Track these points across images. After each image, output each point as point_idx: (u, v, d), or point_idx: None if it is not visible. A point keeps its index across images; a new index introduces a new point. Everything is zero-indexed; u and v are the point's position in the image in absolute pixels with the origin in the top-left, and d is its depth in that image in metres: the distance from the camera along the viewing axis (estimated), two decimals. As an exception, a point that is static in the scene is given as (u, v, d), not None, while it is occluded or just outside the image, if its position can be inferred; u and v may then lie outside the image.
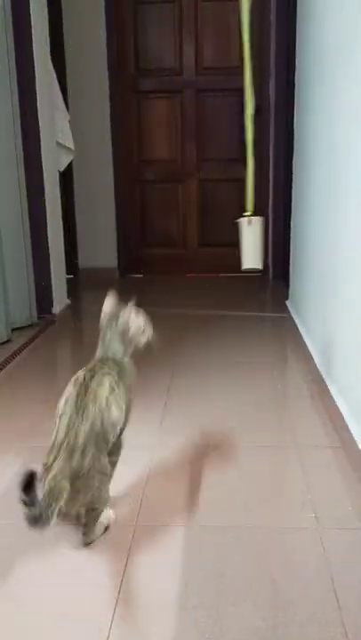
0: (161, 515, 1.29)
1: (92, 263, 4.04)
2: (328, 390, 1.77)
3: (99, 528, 1.21)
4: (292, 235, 2.86)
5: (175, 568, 1.11)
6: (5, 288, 2.42)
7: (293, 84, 2.78)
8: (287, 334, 2.63)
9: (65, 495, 1.05)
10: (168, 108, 3.87)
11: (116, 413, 1.18)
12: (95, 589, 1.06)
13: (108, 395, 1.17)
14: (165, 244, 4.08)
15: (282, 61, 3.55)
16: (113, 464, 1.23)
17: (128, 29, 3.77)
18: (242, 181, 3.94)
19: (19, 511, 0.97)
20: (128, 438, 1.65)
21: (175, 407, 1.88)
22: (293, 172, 2.79)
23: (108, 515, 1.25)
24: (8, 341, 2.44)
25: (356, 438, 1.45)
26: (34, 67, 2.62)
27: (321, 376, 1.90)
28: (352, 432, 1.48)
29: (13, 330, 2.53)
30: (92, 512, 1.18)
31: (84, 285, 3.85)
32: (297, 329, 2.50)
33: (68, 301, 3.17)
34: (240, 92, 3.77)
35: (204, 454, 1.57)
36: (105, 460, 1.16)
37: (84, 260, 4.05)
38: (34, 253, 2.75)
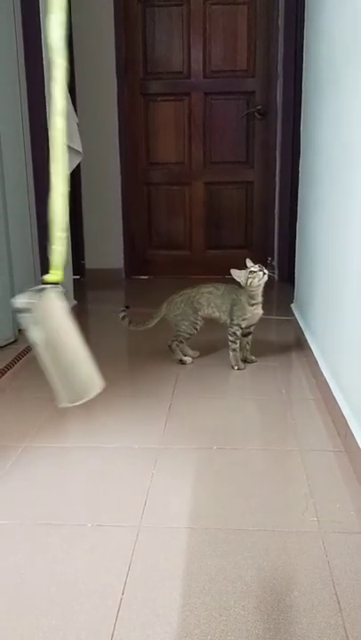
0: (164, 517, 1.30)
1: (98, 264, 4.06)
2: (332, 394, 1.78)
3: (178, 353, 2.30)
4: (297, 238, 2.87)
5: (178, 570, 1.12)
6: (12, 289, 2.44)
7: (301, 87, 2.79)
8: (292, 337, 2.64)
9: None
10: (175, 111, 3.88)
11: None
12: (98, 590, 1.08)
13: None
14: (172, 245, 4.10)
15: (289, 64, 3.56)
16: (231, 334, 2.23)
17: (136, 32, 3.78)
18: (249, 184, 4.00)
19: (26, 510, 0.98)
20: (132, 441, 1.67)
21: (179, 410, 1.89)
22: (300, 174, 2.80)
23: (188, 359, 2.31)
24: (15, 342, 2.46)
25: (359, 442, 1.46)
26: (43, 70, 2.64)
27: (325, 380, 1.91)
28: (355, 436, 1.49)
29: (20, 330, 2.55)
30: (178, 331, 2.27)
31: (91, 286, 3.87)
32: (302, 332, 2.50)
33: (74, 302, 3.19)
34: (247, 95, 3.83)
35: (207, 457, 1.58)
36: (193, 314, 2.24)
37: (90, 261, 4.07)
38: (41, 254, 2.78)
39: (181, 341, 2.29)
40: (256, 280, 2.15)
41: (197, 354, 2.36)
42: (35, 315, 0.86)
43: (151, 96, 3.88)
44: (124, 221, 4.02)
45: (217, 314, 2.25)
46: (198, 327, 2.26)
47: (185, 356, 2.32)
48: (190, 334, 2.27)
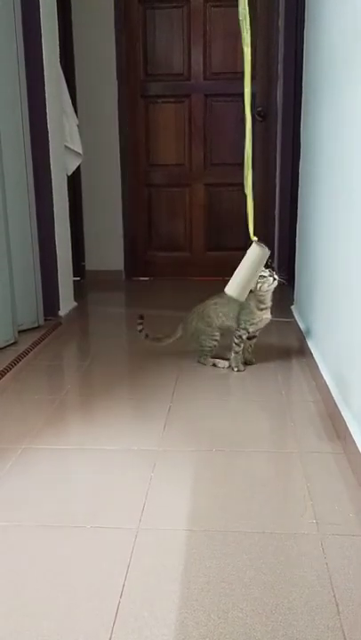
0: (163, 518, 1.30)
1: (98, 266, 4.06)
2: (332, 396, 1.78)
3: (209, 362, 2.30)
4: (297, 239, 2.87)
5: (176, 572, 1.12)
6: (12, 290, 2.44)
7: (301, 89, 2.79)
8: (292, 339, 2.64)
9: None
10: (176, 113, 3.89)
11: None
12: (97, 592, 1.08)
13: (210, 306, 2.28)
14: (172, 247, 4.10)
15: (290, 67, 3.56)
16: (237, 337, 2.23)
17: (137, 34, 3.79)
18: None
19: (25, 512, 0.99)
20: (131, 443, 1.67)
21: (179, 411, 1.89)
22: (300, 176, 2.80)
23: (223, 363, 2.28)
24: (14, 343, 2.46)
25: (358, 445, 1.45)
26: (43, 71, 2.64)
27: (325, 382, 1.91)
28: (355, 439, 1.49)
29: (20, 332, 2.55)
30: (200, 347, 2.30)
31: (91, 288, 3.88)
32: (302, 334, 2.50)
33: (74, 304, 3.19)
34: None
35: (206, 459, 1.58)
36: (207, 328, 2.25)
37: (90, 263, 4.08)
38: (41, 256, 2.78)
39: (206, 355, 2.31)
40: (266, 285, 2.16)
41: None
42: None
43: (151, 98, 3.88)
44: (125, 223, 4.02)
45: (228, 322, 2.25)
46: (217, 338, 2.28)
47: (216, 359, 2.32)
48: (211, 347, 2.29)
